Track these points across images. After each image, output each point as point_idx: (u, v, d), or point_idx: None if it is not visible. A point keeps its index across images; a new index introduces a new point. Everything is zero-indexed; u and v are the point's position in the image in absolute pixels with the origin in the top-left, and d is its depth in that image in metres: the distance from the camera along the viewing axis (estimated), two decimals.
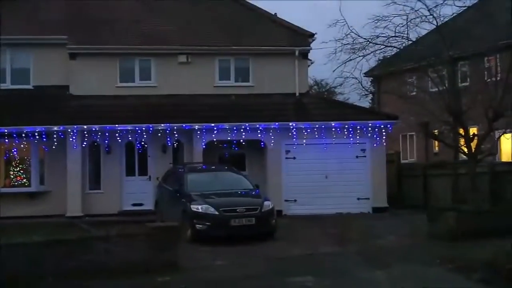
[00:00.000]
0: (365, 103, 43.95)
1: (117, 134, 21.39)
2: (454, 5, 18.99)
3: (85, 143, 21.50)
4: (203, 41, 23.38)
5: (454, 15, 20.43)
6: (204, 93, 22.78)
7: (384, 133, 22.25)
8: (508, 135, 22.92)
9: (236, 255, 14.07)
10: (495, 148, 22.99)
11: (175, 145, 22.17)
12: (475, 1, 19.80)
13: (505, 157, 26.80)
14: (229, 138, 21.69)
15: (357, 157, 22.10)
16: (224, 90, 23.13)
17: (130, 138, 21.89)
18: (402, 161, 28.59)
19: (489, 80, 19.29)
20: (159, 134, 21.45)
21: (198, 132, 21.48)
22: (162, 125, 21.25)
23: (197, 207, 15.96)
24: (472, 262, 12.05)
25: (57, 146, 21.05)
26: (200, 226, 15.76)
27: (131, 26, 23.78)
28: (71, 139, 21.13)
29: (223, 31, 24.12)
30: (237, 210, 15.84)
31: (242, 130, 21.47)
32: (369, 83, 40.28)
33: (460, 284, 10.98)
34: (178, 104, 22.43)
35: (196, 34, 23.68)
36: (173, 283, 11.42)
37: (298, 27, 24.50)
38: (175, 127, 21.27)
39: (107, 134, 21.27)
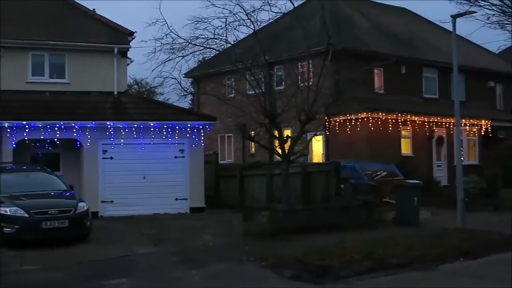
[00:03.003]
0: (185, 103, 44.33)
1: None
2: (271, 11, 19.62)
3: None
4: (16, 34, 22.14)
5: (271, 20, 21.13)
6: (15, 89, 21.57)
7: (202, 134, 22.47)
8: (318, 137, 24.22)
9: (47, 259, 13.48)
10: (307, 150, 24.16)
11: None
12: (290, 9, 20.59)
13: (316, 158, 28.30)
14: (42, 137, 20.75)
15: (175, 157, 22.12)
16: (38, 86, 22.14)
17: None
18: (220, 162, 29.12)
19: (302, 84, 20.16)
20: None
21: (8, 130, 20.30)
22: None
23: (5, 210, 15.06)
24: (284, 258, 12.51)
25: None
26: (8, 229, 14.89)
27: None
28: None
29: (38, 25, 23.05)
30: (49, 212, 15.17)
31: (56, 128, 20.63)
32: (189, 84, 40.57)
33: (273, 280, 11.32)
34: None
35: (8, 27, 22.29)
36: None
37: (118, 24, 24.02)
38: None
39: None
